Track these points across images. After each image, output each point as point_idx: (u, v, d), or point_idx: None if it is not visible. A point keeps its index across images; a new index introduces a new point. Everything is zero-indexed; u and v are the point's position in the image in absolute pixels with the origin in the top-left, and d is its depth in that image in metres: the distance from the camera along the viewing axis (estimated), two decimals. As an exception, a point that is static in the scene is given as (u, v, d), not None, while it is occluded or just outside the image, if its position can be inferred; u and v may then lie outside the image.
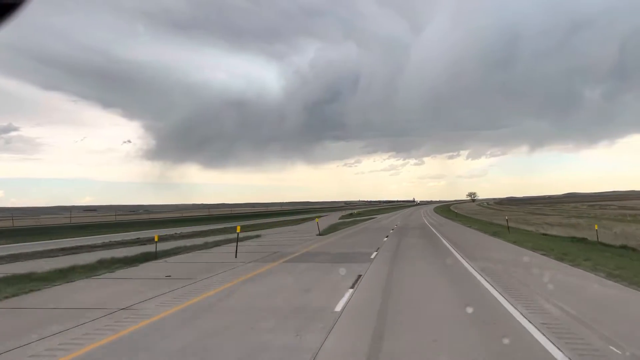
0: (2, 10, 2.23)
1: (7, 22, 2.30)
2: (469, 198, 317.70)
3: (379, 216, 76.14)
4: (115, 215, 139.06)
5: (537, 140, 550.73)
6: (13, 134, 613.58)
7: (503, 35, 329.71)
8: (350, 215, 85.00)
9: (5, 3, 2.21)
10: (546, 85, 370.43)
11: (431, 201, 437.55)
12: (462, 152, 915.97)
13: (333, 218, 69.85)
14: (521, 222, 51.53)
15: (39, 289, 11.23)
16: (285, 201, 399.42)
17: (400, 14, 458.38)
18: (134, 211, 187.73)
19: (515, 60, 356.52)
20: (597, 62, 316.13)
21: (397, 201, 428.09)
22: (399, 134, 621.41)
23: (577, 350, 5.97)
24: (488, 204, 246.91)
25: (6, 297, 10.29)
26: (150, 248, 20.05)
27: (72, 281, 12.56)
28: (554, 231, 35.57)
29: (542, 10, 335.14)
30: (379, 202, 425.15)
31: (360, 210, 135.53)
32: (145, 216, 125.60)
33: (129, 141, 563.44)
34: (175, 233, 38.77)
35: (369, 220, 60.44)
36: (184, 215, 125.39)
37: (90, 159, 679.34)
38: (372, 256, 18.21)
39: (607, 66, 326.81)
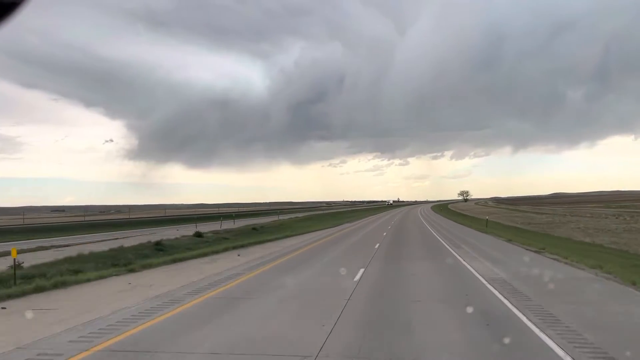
0: (1, 10, 2.22)
1: (6, 22, 2.28)
2: (461, 197, 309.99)
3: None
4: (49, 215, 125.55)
5: (520, 141, 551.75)
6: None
7: (487, 36, 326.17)
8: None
9: (4, 3, 2.19)
10: (529, 86, 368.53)
11: (416, 201, 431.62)
12: (446, 152, 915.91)
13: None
14: None
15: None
16: (267, 201, 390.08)
17: (385, 13, 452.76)
18: (103, 211, 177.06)
19: (500, 61, 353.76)
20: (580, 63, 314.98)
21: (375, 201, 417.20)
22: (384, 134, 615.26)
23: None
24: (496, 202, 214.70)
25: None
26: None
27: None
28: None
29: (526, 12, 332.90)
30: (362, 202, 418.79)
31: (303, 215, 79.93)
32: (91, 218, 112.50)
33: (111, 140, 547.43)
34: None
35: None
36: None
37: (71, 158, 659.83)
38: None
39: (589, 68, 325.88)
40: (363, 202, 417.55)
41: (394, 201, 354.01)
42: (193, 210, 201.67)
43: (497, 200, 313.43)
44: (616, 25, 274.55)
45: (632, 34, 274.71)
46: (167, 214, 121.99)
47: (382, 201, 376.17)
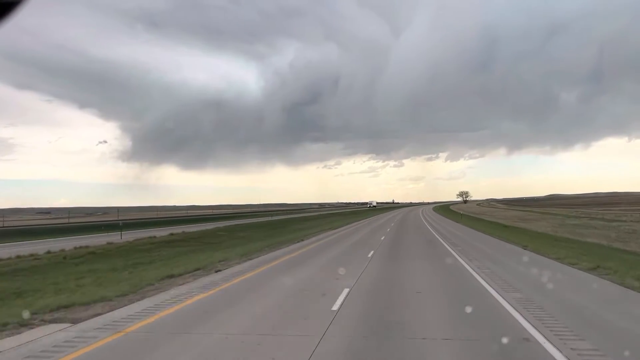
0: (1, 10, 2.17)
1: (5, 22, 2.22)
2: (459, 199, 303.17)
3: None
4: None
5: (515, 143, 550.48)
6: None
7: (482, 38, 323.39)
8: None
9: (4, 2, 2.15)
10: (524, 87, 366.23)
11: (411, 203, 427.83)
12: (441, 154, 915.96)
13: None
14: None
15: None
16: (261, 203, 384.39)
17: (381, 15, 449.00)
18: (90, 213, 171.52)
19: (495, 62, 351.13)
20: (574, 65, 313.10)
21: (368, 203, 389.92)
22: (379, 136, 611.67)
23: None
24: (505, 204, 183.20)
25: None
26: None
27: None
28: None
29: (521, 14, 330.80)
30: (356, 203, 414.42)
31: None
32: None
33: (105, 141, 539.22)
34: None
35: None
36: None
37: (65, 159, 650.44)
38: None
39: (583, 70, 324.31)
40: (356, 203, 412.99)
41: (377, 203, 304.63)
42: (183, 212, 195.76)
43: (496, 202, 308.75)
44: (611, 28, 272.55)
45: (627, 37, 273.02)
46: (119, 217, 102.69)
47: (354, 203, 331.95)
